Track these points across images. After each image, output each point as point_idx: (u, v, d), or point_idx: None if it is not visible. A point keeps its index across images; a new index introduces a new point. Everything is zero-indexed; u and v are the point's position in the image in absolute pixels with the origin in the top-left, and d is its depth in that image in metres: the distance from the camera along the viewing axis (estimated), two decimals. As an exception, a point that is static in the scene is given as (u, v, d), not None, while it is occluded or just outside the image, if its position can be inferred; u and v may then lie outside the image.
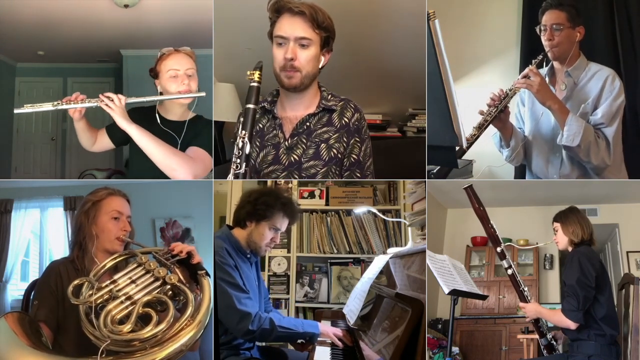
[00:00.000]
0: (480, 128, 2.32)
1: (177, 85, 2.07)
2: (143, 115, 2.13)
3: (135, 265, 1.61)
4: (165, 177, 2.03)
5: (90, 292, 1.51)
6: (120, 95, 1.97)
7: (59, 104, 1.97)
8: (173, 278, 1.56)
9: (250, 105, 1.79)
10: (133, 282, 1.55)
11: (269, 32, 1.94)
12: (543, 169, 2.45)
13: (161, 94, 2.11)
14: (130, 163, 2.22)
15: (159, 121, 2.11)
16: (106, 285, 1.53)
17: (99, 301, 1.49)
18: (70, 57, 4.81)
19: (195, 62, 2.13)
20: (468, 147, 2.30)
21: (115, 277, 1.56)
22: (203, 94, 2.10)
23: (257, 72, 1.81)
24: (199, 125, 2.16)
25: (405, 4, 2.67)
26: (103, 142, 2.25)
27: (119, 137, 2.19)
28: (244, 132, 1.78)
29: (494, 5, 3.09)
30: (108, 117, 2.02)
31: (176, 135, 2.09)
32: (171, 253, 1.66)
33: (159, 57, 2.13)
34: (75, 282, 1.54)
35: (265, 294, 2.34)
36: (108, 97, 1.95)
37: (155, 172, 2.04)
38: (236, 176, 1.79)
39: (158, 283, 1.56)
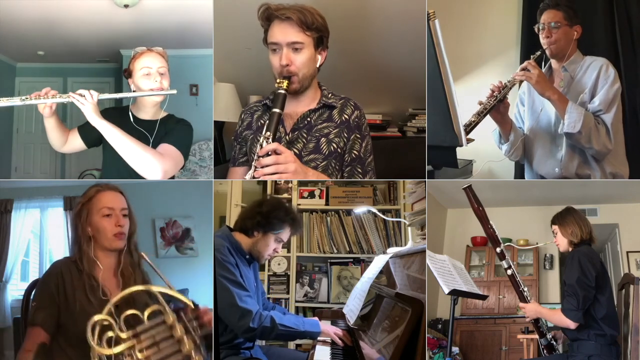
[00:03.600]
0: (479, 115, 2.33)
1: (149, 82, 2.08)
2: (116, 115, 2.13)
3: (161, 320, 1.53)
4: (139, 177, 2.03)
5: (110, 335, 1.45)
6: (92, 91, 1.96)
7: (27, 98, 1.94)
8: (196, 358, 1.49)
9: (277, 110, 1.84)
10: (156, 344, 1.48)
11: (263, 39, 1.98)
12: (545, 162, 2.46)
13: (134, 92, 2.12)
14: (104, 164, 2.21)
15: (132, 120, 2.12)
16: (128, 337, 1.46)
17: (116, 352, 1.44)
18: (70, 57, 4.80)
19: (167, 62, 2.14)
20: (468, 141, 2.30)
21: (139, 329, 1.49)
22: (174, 91, 2.10)
23: (286, 82, 1.87)
24: (169, 123, 2.17)
25: (405, 4, 2.67)
26: (74, 143, 2.21)
27: (91, 138, 2.18)
28: (268, 133, 1.81)
29: (494, 5, 3.09)
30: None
31: (148, 133, 2.10)
32: (199, 321, 1.57)
33: (132, 56, 2.15)
34: (97, 318, 1.46)
35: (263, 293, 2.35)
36: (79, 94, 1.95)
37: (129, 172, 2.04)
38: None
39: (180, 357, 1.48)
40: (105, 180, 2.09)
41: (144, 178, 2.03)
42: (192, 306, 1.59)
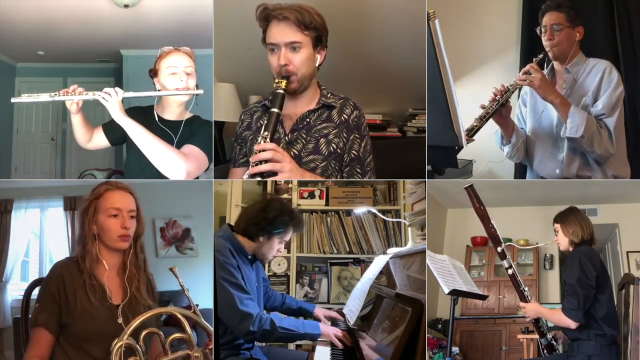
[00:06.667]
0: (482, 120, 2.34)
1: (175, 82, 2.07)
2: (141, 115, 2.12)
3: (185, 354, 1.56)
4: (162, 176, 2.02)
5: None
6: (117, 89, 1.97)
7: (56, 94, 1.97)
8: None
9: (275, 110, 1.84)
10: None
11: (262, 39, 1.97)
12: (546, 164, 2.46)
13: (159, 91, 2.11)
14: (127, 162, 2.20)
15: (156, 119, 2.11)
16: None
17: None
18: (70, 57, 4.81)
19: (194, 62, 2.13)
20: (469, 141, 2.30)
21: None
22: (201, 91, 2.09)
23: (285, 81, 1.87)
24: (195, 124, 2.15)
25: (405, 4, 2.67)
26: (99, 140, 2.22)
27: (115, 136, 2.18)
28: (266, 132, 1.81)
29: (494, 5, 3.09)
30: (107, 116, 2.02)
31: (173, 134, 2.09)
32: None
33: (159, 55, 2.13)
34: (120, 343, 1.48)
35: (267, 284, 2.38)
36: (105, 92, 1.96)
37: (152, 171, 2.03)
38: (252, 176, 1.81)
39: None
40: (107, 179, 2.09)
41: (167, 178, 2.02)
42: (212, 333, 1.63)
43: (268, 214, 2.08)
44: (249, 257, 2.10)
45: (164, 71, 2.09)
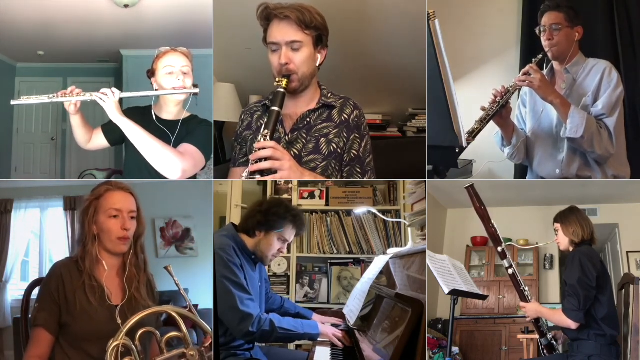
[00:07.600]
0: (482, 122, 2.34)
1: (172, 81, 2.09)
2: (139, 114, 2.14)
3: (180, 352, 1.56)
4: (161, 176, 2.03)
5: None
6: (114, 89, 1.99)
7: (54, 96, 2.00)
8: None
9: (275, 108, 1.84)
10: None
11: (263, 39, 1.98)
12: (546, 164, 2.46)
13: (156, 91, 2.12)
14: (126, 162, 2.22)
15: (154, 119, 2.12)
16: None
17: None
18: (70, 57, 4.81)
19: (191, 62, 2.14)
20: (469, 142, 2.30)
21: None
22: (197, 90, 2.10)
23: (285, 80, 1.87)
24: (192, 123, 2.16)
25: (405, 4, 2.67)
26: (98, 141, 2.24)
27: (115, 136, 2.19)
28: (266, 131, 1.81)
29: (494, 5, 3.09)
30: (107, 116, 2.03)
31: (170, 133, 2.10)
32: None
33: (156, 55, 2.15)
34: (115, 343, 1.48)
35: (268, 289, 2.37)
36: (102, 93, 1.98)
37: (150, 172, 2.04)
38: (252, 173, 1.81)
39: None
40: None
41: (165, 177, 2.03)
42: (211, 334, 1.62)
43: (262, 207, 2.11)
44: (252, 256, 2.10)
45: (160, 71, 2.11)
